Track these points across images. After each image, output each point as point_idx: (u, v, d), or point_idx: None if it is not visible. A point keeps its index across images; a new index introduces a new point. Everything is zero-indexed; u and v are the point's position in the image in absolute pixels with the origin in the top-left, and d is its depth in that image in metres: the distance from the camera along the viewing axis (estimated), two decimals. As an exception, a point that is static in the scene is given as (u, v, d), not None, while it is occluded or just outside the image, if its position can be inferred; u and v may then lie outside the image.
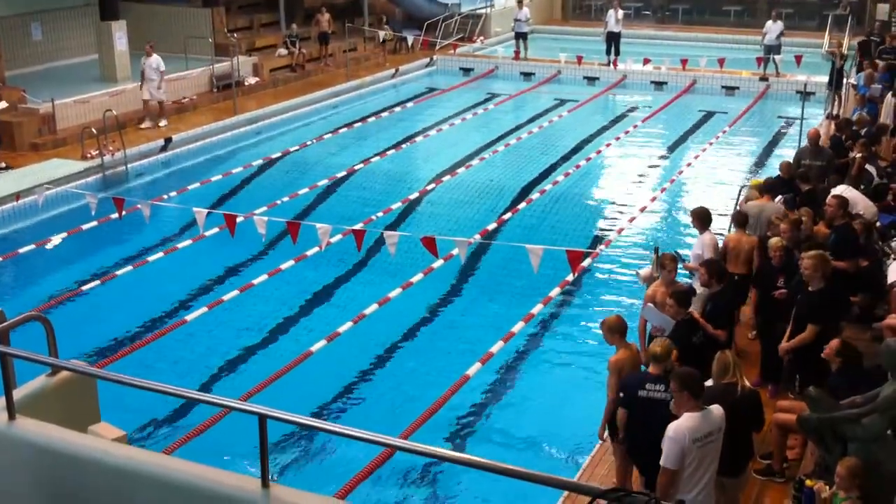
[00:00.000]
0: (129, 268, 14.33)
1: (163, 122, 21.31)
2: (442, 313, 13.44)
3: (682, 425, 6.59)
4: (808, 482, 7.48)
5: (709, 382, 7.46)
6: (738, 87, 26.73)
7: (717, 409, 6.77)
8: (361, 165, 19.97)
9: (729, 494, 7.54)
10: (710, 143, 21.73)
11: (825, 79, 23.33)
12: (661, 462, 6.63)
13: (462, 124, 23.85)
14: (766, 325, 10.17)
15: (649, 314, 9.28)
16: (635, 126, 23.43)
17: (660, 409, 7.31)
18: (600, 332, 8.39)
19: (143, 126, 21.04)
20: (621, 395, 7.82)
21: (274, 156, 20.53)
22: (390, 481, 9.43)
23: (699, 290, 9.86)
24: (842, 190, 12.30)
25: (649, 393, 7.61)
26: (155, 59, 20.97)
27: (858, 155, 14.49)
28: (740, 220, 11.32)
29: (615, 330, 8.13)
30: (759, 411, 7.57)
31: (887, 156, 16.64)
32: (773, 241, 10.20)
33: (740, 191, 14.82)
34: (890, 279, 11.00)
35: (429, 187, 18.66)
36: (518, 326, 12.48)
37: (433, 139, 22.53)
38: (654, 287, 9.69)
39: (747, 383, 7.64)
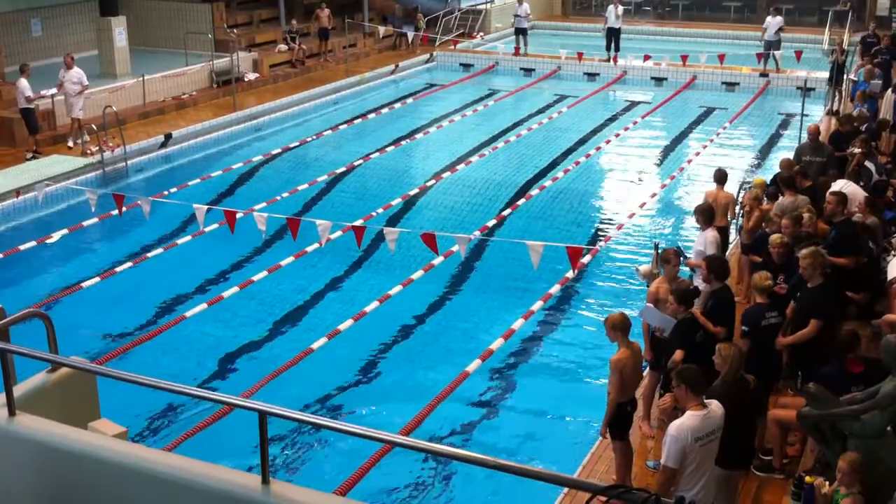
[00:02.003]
0: (129, 264, 14.33)
1: (84, 139, 19.02)
2: (442, 310, 13.43)
3: (684, 424, 6.60)
4: (807, 479, 7.49)
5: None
6: (738, 83, 26.72)
7: (717, 409, 6.79)
8: (361, 162, 19.96)
9: (731, 487, 7.60)
10: (711, 140, 21.72)
11: (825, 75, 23.31)
12: (662, 461, 6.64)
13: (462, 120, 23.84)
14: None
15: (648, 315, 9.26)
16: (635, 122, 23.41)
17: (775, 332, 8.94)
18: (603, 328, 8.37)
19: (69, 145, 19.07)
20: (745, 328, 8.82)
21: (274, 152, 20.53)
22: (390, 478, 9.43)
23: (700, 286, 9.84)
24: (841, 185, 12.29)
25: (769, 320, 8.86)
26: (76, 73, 18.99)
27: (857, 151, 14.47)
28: (719, 177, 12.70)
29: (618, 327, 8.13)
30: (763, 400, 7.84)
31: (887, 152, 16.63)
32: (774, 237, 10.18)
33: (740, 187, 14.81)
34: (890, 276, 10.99)
35: (429, 183, 18.65)
36: (518, 323, 12.48)
37: (433, 135, 22.52)
38: (657, 283, 9.67)
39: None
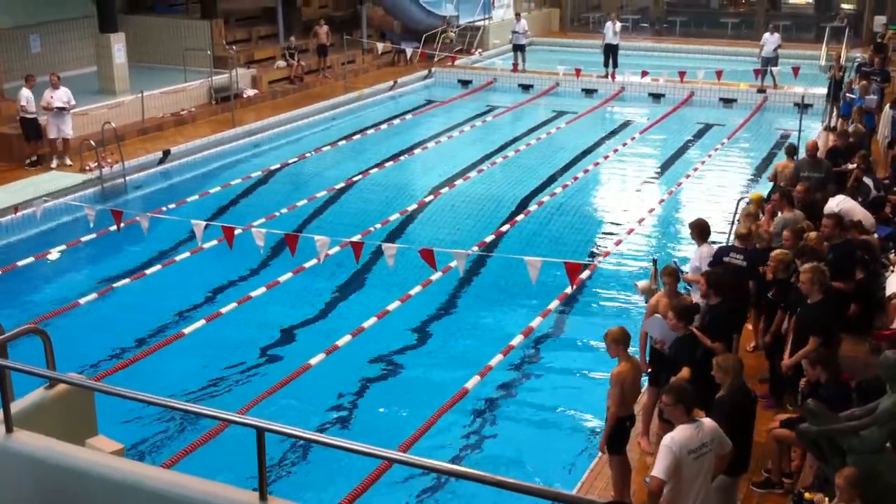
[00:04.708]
0: (127, 280, 14.32)
1: (68, 161, 19.02)
2: (440, 326, 13.42)
3: (676, 436, 6.64)
4: (807, 494, 7.49)
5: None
6: (735, 99, 26.81)
7: (708, 422, 6.84)
8: (360, 177, 19.98)
9: (732, 493, 7.64)
10: (708, 156, 21.77)
11: (823, 91, 23.38)
12: (653, 472, 6.64)
13: (460, 136, 23.88)
14: (775, 343, 10.08)
15: (651, 326, 9.25)
16: (633, 138, 23.46)
17: (739, 272, 10.24)
18: (603, 343, 8.36)
19: (52, 165, 18.84)
20: (711, 258, 10.32)
21: (272, 168, 20.55)
22: (388, 495, 9.40)
23: (697, 300, 9.84)
24: (839, 200, 12.29)
25: (732, 259, 10.23)
26: (65, 92, 18.90)
27: (853, 166, 14.53)
28: (789, 150, 15.34)
29: (619, 341, 8.12)
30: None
31: (885, 167, 16.69)
32: (776, 252, 10.15)
33: (738, 203, 14.83)
34: (888, 291, 10.98)
35: (427, 199, 18.67)
36: (517, 339, 12.47)
37: (431, 151, 22.55)
38: (657, 298, 9.67)
39: None
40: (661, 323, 9.07)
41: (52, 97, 18.78)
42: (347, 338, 12.36)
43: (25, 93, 18.66)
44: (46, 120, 18.91)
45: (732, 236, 11.16)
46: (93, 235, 15.55)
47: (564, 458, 10.06)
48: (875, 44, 26.44)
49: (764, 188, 17.38)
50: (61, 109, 18.82)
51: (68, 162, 19.05)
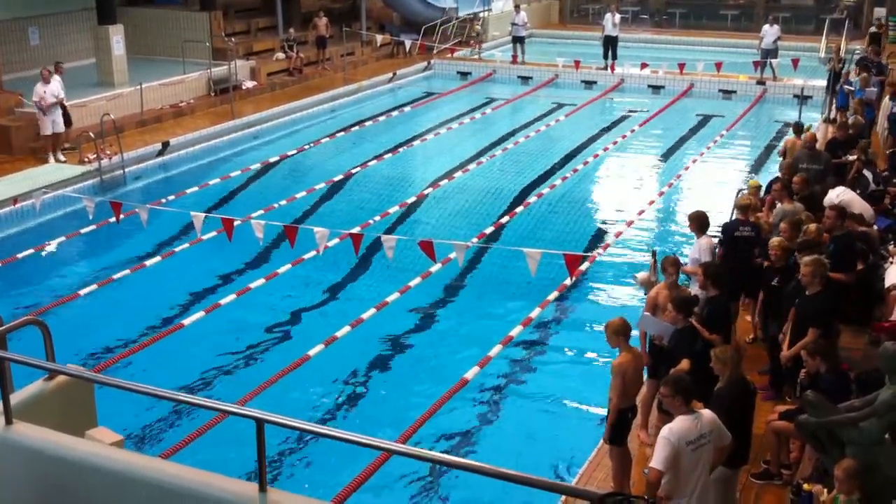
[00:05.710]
0: (127, 272, 14.31)
1: (61, 156, 18.82)
2: (440, 317, 13.43)
3: (675, 428, 6.65)
4: (806, 486, 7.49)
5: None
6: (735, 91, 26.80)
7: (707, 413, 6.84)
8: (359, 169, 19.97)
9: (732, 485, 7.64)
10: (708, 147, 21.76)
11: (822, 83, 23.36)
12: (652, 463, 6.66)
13: (460, 128, 23.86)
14: (773, 337, 10.08)
15: (647, 324, 9.26)
16: (633, 130, 23.45)
17: (749, 242, 10.84)
18: (604, 335, 8.35)
19: (51, 162, 18.47)
20: (720, 238, 11.00)
21: (272, 160, 20.53)
22: (388, 486, 9.41)
23: (696, 292, 9.84)
24: (839, 192, 12.28)
25: (742, 233, 10.90)
26: (55, 86, 18.56)
27: (853, 158, 14.51)
28: (797, 128, 15.96)
29: (619, 332, 8.13)
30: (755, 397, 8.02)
31: (884, 159, 16.67)
32: (774, 240, 10.18)
33: (737, 194, 14.81)
34: (888, 282, 10.98)
35: (426, 191, 18.65)
36: (516, 330, 12.48)
37: (431, 143, 22.54)
38: (657, 289, 9.67)
39: None
40: (654, 320, 9.08)
41: (44, 92, 18.47)
42: (347, 329, 12.37)
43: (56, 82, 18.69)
44: (39, 116, 18.57)
45: (735, 212, 11.58)
46: (92, 227, 15.54)
47: (564, 449, 10.06)
48: (870, 34, 26.41)
49: (766, 175, 17.42)
50: (52, 104, 18.54)
51: (62, 158, 18.93)
